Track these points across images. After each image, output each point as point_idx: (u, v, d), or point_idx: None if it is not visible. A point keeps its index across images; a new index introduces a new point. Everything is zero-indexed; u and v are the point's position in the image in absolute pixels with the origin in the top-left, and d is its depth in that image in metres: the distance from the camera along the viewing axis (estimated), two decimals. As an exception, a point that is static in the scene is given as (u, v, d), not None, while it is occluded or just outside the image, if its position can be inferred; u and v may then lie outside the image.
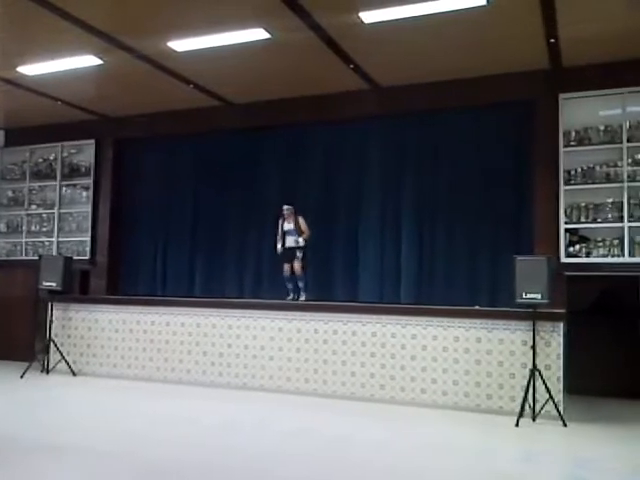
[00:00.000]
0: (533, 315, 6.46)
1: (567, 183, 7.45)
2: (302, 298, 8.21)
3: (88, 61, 7.62)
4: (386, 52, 7.25)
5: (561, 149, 7.47)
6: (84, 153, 10.41)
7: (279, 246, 8.36)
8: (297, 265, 8.24)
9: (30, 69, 7.95)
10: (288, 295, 8.40)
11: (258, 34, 6.79)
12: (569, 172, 7.46)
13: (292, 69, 7.86)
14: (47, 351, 8.85)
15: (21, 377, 8.41)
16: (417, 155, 8.56)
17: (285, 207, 8.36)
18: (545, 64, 7.47)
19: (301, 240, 8.20)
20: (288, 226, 8.34)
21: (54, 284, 8.83)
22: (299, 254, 8.22)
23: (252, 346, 7.88)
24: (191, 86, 8.52)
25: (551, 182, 7.50)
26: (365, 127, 8.83)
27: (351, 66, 7.67)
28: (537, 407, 6.33)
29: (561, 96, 7.51)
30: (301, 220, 8.31)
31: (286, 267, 8.36)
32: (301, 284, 8.28)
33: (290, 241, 8.29)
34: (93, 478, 4.40)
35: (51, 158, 10.61)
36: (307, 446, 5.36)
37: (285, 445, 5.37)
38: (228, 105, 9.35)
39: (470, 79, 7.88)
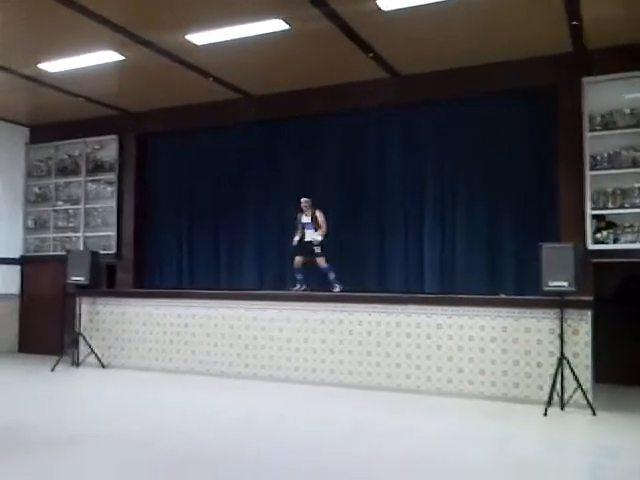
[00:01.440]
0: (560, 303, 6.39)
1: (593, 168, 7.31)
2: (337, 289, 8.13)
3: (109, 57, 7.66)
4: (405, 39, 7.17)
5: (586, 134, 7.33)
6: (107, 148, 10.50)
7: (296, 239, 8.36)
8: (320, 260, 8.21)
9: (52, 66, 8.02)
10: (295, 286, 8.40)
11: (277, 25, 6.76)
12: (594, 157, 7.32)
13: (311, 59, 7.82)
14: (76, 344, 9.00)
15: (52, 370, 8.56)
16: (438, 143, 8.47)
17: (303, 199, 8.36)
18: (568, 47, 7.32)
19: (318, 236, 8.18)
20: (306, 219, 8.36)
21: (82, 278, 8.95)
22: (317, 249, 8.18)
23: (278, 337, 7.91)
24: (211, 79, 8.53)
25: (576, 168, 7.37)
26: (385, 116, 8.76)
27: (370, 55, 7.60)
28: (565, 396, 6.27)
29: (585, 80, 7.36)
30: (319, 214, 8.29)
31: (297, 259, 8.37)
32: (332, 276, 8.22)
33: (308, 235, 8.29)
34: (119, 467, 4.48)
35: (75, 154, 10.73)
36: (330, 436, 5.37)
37: (308, 435, 5.41)
38: (247, 97, 9.35)
39: (492, 64, 7.75)
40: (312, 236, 8.25)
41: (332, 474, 4.42)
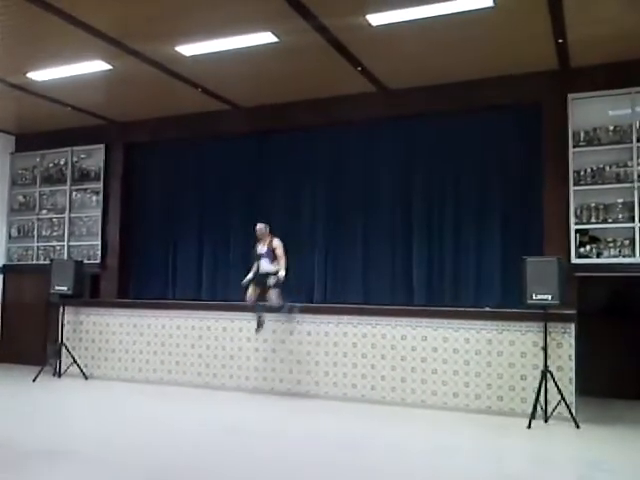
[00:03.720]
0: (544, 316, 6.44)
1: (577, 184, 7.41)
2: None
3: (97, 66, 7.65)
4: (394, 54, 7.26)
5: (570, 149, 7.43)
6: (94, 158, 10.46)
7: (249, 276, 7.63)
8: (272, 293, 7.46)
9: (40, 75, 7.99)
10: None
11: (266, 38, 6.80)
12: (579, 172, 7.42)
13: (299, 72, 7.87)
14: (59, 355, 8.91)
15: (33, 381, 8.46)
16: (425, 157, 8.53)
17: (258, 226, 7.68)
18: (553, 64, 7.44)
19: (273, 268, 7.45)
20: (261, 249, 7.64)
21: (65, 288, 8.89)
22: (272, 281, 7.40)
23: (262, 349, 7.89)
24: (199, 90, 8.54)
25: (561, 183, 7.46)
26: (373, 130, 8.81)
27: (358, 68, 7.67)
28: (549, 409, 6.31)
29: (570, 96, 7.47)
30: (277, 242, 7.57)
31: (250, 291, 7.65)
32: (285, 309, 7.58)
33: (263, 265, 7.57)
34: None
35: (61, 163, 10.67)
36: (318, 450, 5.36)
37: (295, 450, 5.38)
38: (235, 108, 9.37)
39: (478, 80, 7.85)
40: (266, 268, 7.53)
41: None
